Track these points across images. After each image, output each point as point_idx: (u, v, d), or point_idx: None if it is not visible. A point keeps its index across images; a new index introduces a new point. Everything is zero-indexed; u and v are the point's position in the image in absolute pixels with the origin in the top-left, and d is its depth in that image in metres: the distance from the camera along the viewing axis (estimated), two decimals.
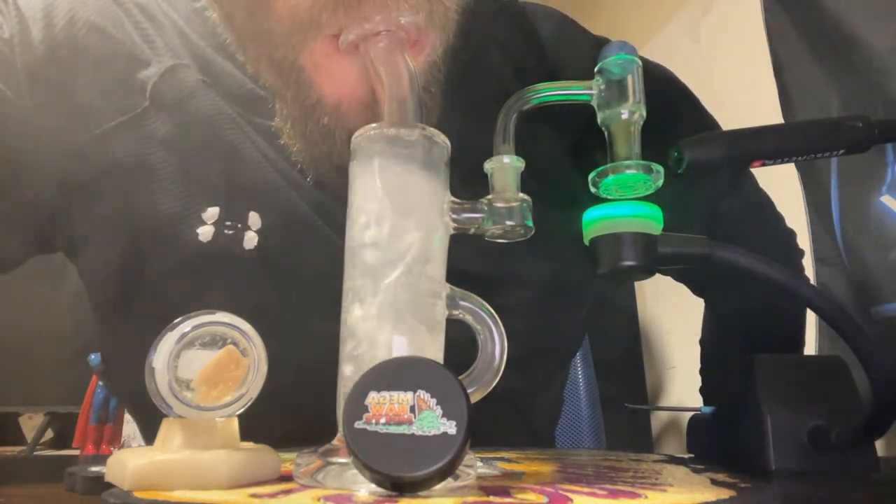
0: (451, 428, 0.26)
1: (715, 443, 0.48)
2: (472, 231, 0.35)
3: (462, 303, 0.34)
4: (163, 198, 0.50)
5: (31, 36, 0.50)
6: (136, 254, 0.51)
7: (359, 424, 0.27)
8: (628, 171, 0.35)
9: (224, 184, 0.50)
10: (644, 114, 0.36)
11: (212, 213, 0.49)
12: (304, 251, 0.51)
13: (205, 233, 0.49)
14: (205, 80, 0.51)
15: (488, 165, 0.35)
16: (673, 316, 1.78)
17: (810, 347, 1.24)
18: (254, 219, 0.50)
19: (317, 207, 0.51)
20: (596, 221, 0.36)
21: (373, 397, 0.27)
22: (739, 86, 1.64)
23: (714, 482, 0.34)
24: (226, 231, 0.49)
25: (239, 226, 0.49)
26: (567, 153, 0.55)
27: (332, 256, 0.35)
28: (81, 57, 0.50)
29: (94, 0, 0.52)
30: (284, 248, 0.50)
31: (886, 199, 1.16)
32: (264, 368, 0.31)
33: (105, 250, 0.53)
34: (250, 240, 0.49)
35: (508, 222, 0.34)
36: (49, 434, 2.51)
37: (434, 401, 0.27)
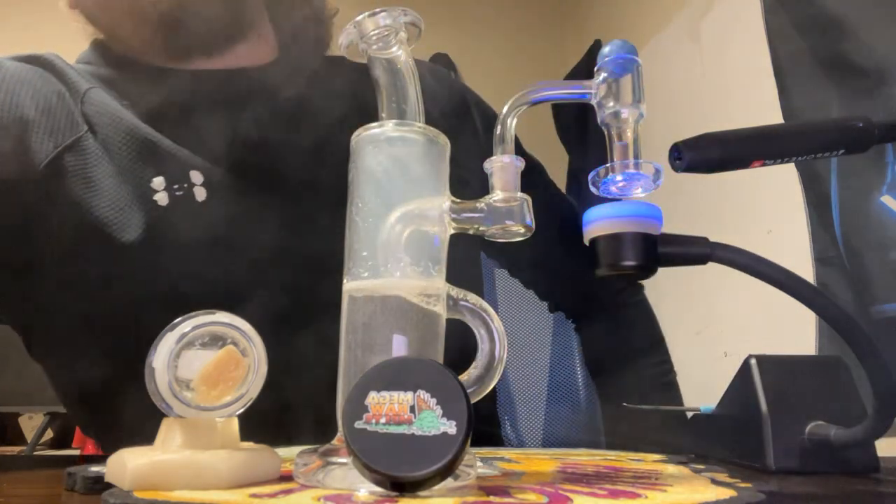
0: (451, 428, 0.26)
1: (715, 443, 0.48)
2: (471, 231, 0.34)
3: (462, 303, 0.34)
4: (116, 186, 0.57)
5: None
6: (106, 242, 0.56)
7: (359, 424, 0.27)
8: (628, 171, 0.35)
9: (155, 158, 0.58)
10: (644, 113, 0.36)
11: (158, 181, 0.57)
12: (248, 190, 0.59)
13: (162, 198, 0.57)
14: (106, 91, 0.62)
15: (488, 165, 0.35)
16: (672, 316, 1.78)
17: (810, 347, 1.24)
18: (196, 176, 0.58)
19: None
20: (596, 221, 0.36)
21: (373, 397, 0.27)
22: (739, 86, 1.63)
23: (714, 482, 0.34)
24: (176, 193, 0.57)
25: (185, 185, 0.57)
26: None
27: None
28: (24, 102, 0.58)
29: (15, 66, 0.61)
30: (230, 190, 0.58)
31: (886, 199, 1.16)
32: (264, 368, 0.31)
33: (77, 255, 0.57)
34: (200, 193, 0.57)
35: (508, 222, 0.34)
36: (49, 434, 2.51)
37: (434, 401, 0.27)
